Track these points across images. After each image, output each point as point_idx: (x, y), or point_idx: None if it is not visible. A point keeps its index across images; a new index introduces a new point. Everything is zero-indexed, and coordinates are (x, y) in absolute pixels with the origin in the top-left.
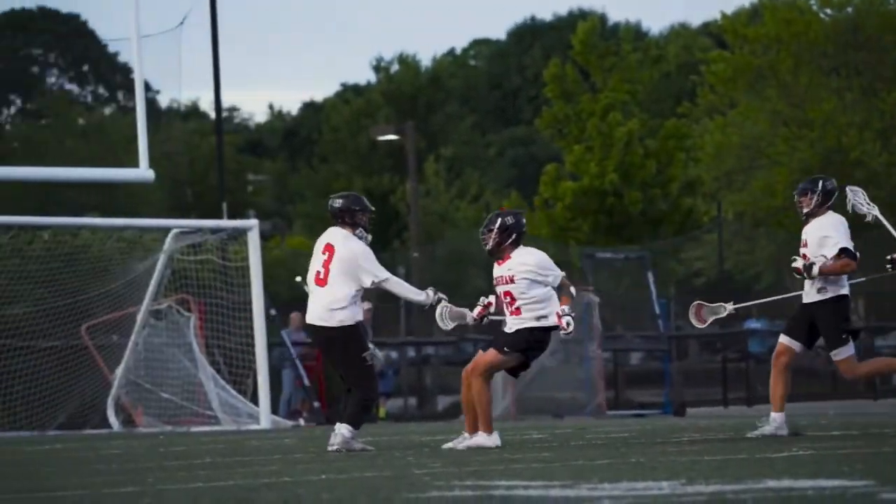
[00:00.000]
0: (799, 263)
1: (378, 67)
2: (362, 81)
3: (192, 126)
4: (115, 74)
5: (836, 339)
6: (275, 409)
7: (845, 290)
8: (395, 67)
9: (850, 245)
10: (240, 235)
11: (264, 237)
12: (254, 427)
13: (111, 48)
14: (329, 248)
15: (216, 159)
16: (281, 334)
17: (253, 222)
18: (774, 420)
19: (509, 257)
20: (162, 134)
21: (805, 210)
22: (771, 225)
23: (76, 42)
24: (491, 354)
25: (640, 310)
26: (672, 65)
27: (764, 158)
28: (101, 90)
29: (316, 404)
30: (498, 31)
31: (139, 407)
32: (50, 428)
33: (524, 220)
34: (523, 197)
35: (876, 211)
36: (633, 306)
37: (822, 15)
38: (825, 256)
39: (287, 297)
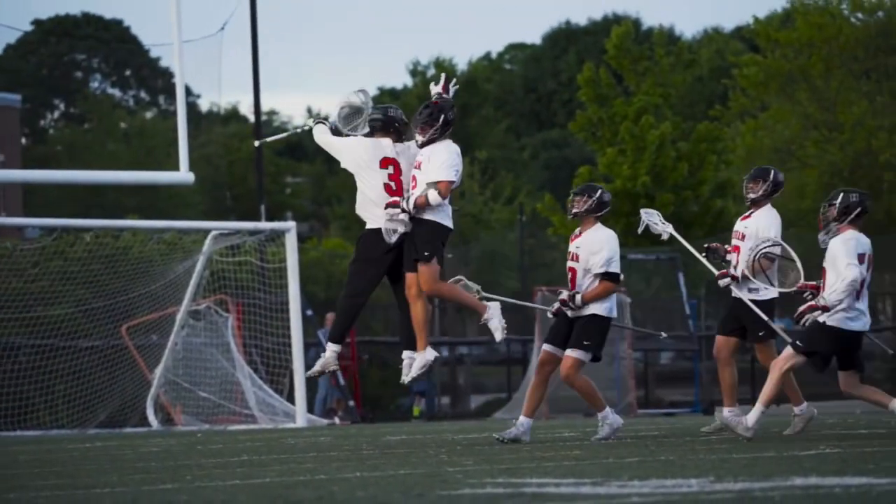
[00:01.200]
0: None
1: (415, 71)
2: (399, 85)
3: (232, 129)
4: (157, 79)
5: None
6: (310, 408)
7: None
8: (431, 71)
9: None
10: (277, 237)
11: (301, 239)
12: (290, 425)
13: (153, 53)
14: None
15: (255, 162)
16: (317, 334)
17: (291, 224)
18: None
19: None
20: (202, 137)
21: (751, 196)
22: (800, 227)
23: (119, 47)
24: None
25: (671, 310)
26: (704, 69)
27: (794, 161)
28: (143, 94)
29: (351, 403)
30: (533, 35)
31: (178, 405)
32: (91, 426)
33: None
34: (556, 199)
35: (670, 228)
36: (664, 306)
37: (853, 19)
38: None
39: (323, 298)
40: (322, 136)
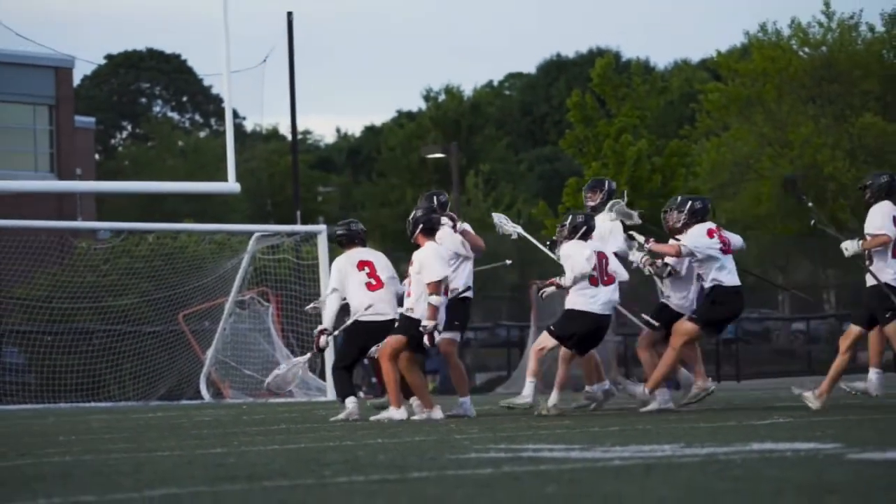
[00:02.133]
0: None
1: (427, 97)
2: (414, 108)
3: (272, 147)
4: (209, 104)
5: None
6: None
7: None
8: (442, 97)
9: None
10: (311, 238)
11: (331, 239)
12: (321, 399)
13: (206, 82)
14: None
15: (292, 174)
16: (345, 320)
17: (322, 227)
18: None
19: None
20: (247, 153)
21: (590, 205)
22: (757, 230)
23: (177, 77)
24: None
25: (647, 299)
26: (675, 94)
27: (752, 173)
28: (197, 117)
29: (373, 380)
30: (529, 66)
31: (226, 382)
32: (153, 399)
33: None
34: (549, 205)
35: (519, 229)
36: (642, 297)
37: (801, 53)
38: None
39: None
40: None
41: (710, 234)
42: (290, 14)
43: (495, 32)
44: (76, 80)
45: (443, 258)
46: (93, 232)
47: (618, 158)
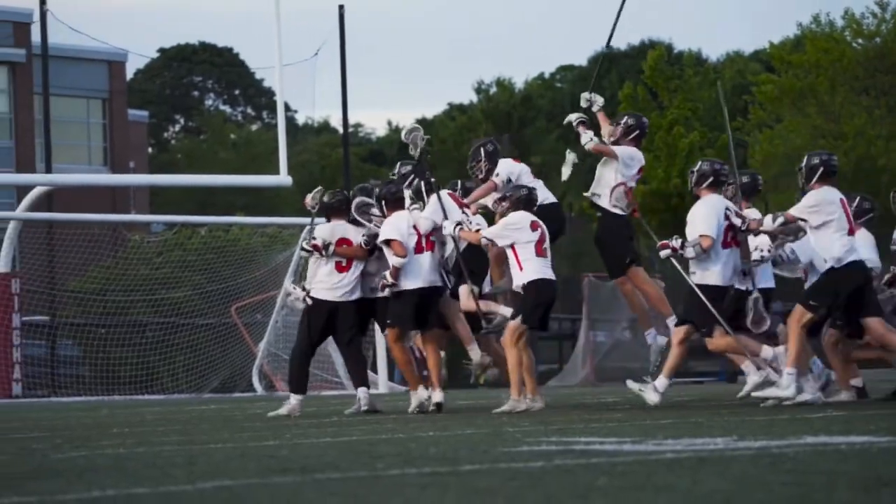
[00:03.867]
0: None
1: (479, 89)
2: (465, 101)
3: (324, 139)
4: (261, 97)
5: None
6: (391, 376)
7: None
8: (493, 89)
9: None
10: None
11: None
12: (373, 391)
13: (258, 75)
14: None
15: (343, 167)
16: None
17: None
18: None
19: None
20: (298, 147)
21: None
22: None
23: (230, 70)
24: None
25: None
26: (727, 86)
27: None
28: (250, 110)
29: (425, 373)
30: (580, 58)
31: (279, 374)
32: (205, 391)
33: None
34: None
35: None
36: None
37: (854, 44)
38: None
39: None
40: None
41: None
42: (341, 7)
43: (547, 24)
44: (129, 74)
45: (392, 224)
46: (146, 225)
47: (670, 151)
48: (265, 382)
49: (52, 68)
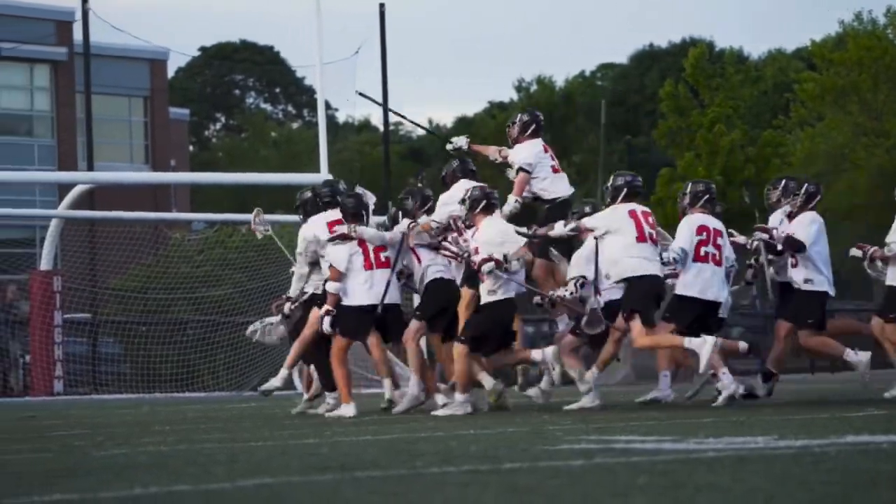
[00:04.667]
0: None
1: (519, 88)
2: (506, 99)
3: (364, 138)
4: (302, 95)
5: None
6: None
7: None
8: (534, 87)
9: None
10: None
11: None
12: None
13: (298, 73)
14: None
15: (383, 165)
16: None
17: None
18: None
19: None
20: (339, 144)
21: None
22: (852, 221)
23: (271, 69)
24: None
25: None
26: (769, 84)
27: (847, 164)
28: (290, 108)
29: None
30: (621, 56)
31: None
32: (246, 389)
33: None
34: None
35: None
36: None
37: None
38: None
39: None
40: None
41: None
42: (382, 6)
43: (587, 22)
44: (170, 72)
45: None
46: (187, 223)
47: (711, 149)
48: (305, 380)
49: (94, 67)
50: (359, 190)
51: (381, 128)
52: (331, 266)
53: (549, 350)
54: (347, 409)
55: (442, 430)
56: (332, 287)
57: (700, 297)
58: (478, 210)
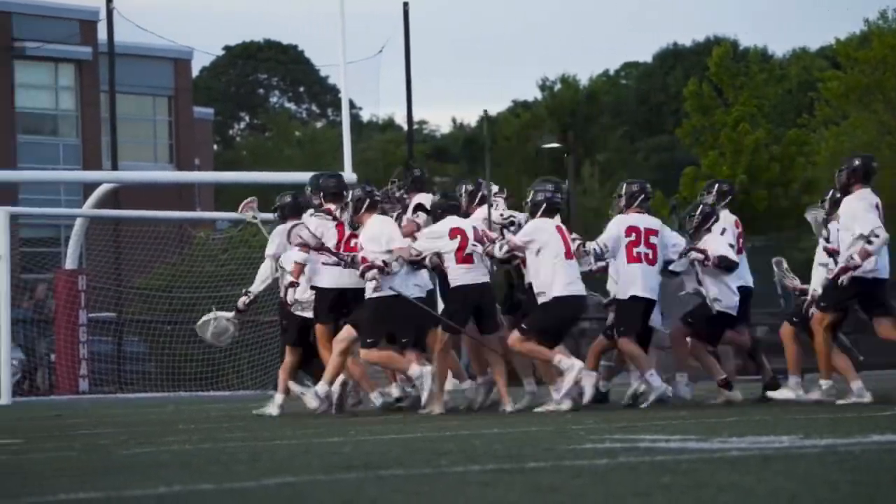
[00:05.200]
0: None
1: (543, 86)
2: (530, 98)
3: (388, 137)
4: (326, 94)
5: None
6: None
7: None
8: (557, 86)
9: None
10: None
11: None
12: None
13: (322, 73)
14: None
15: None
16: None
17: None
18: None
19: None
20: (363, 144)
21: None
22: None
23: (294, 68)
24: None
25: (766, 291)
26: (793, 83)
27: None
28: (314, 108)
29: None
30: (645, 55)
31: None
32: (270, 388)
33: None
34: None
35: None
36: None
37: None
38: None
39: None
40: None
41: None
42: (406, 5)
43: (611, 21)
44: (195, 72)
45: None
46: (211, 222)
47: (735, 147)
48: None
49: (118, 66)
50: (367, 188)
51: (405, 127)
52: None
53: (427, 369)
54: (312, 402)
55: (466, 428)
56: (299, 257)
57: (642, 294)
58: (363, 210)
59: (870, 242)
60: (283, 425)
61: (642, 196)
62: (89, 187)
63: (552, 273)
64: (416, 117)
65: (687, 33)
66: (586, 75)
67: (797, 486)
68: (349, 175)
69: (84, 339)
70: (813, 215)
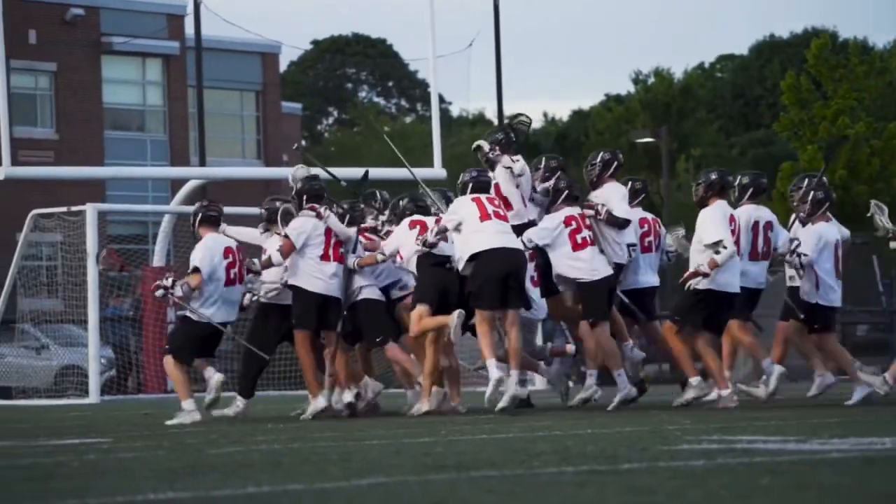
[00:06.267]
0: None
1: (637, 80)
2: (623, 92)
3: (479, 131)
4: (415, 89)
5: None
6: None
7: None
8: (651, 80)
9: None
10: None
11: None
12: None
13: (411, 67)
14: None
15: None
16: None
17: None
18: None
19: None
20: (453, 138)
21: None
22: None
23: (383, 62)
24: None
25: (866, 288)
26: (894, 75)
27: None
28: (403, 102)
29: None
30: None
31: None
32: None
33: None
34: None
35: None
36: (860, 285)
37: None
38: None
39: None
40: None
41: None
42: None
43: (706, 13)
44: (283, 66)
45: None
46: None
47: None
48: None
49: (206, 61)
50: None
51: (496, 121)
52: (285, 236)
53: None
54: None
55: (559, 429)
56: (276, 258)
57: (603, 275)
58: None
59: (717, 252)
60: (374, 425)
61: (567, 191)
62: (177, 183)
63: (468, 238)
64: (507, 111)
65: (784, 25)
66: (681, 68)
67: None
68: (439, 170)
69: None
70: (674, 235)
